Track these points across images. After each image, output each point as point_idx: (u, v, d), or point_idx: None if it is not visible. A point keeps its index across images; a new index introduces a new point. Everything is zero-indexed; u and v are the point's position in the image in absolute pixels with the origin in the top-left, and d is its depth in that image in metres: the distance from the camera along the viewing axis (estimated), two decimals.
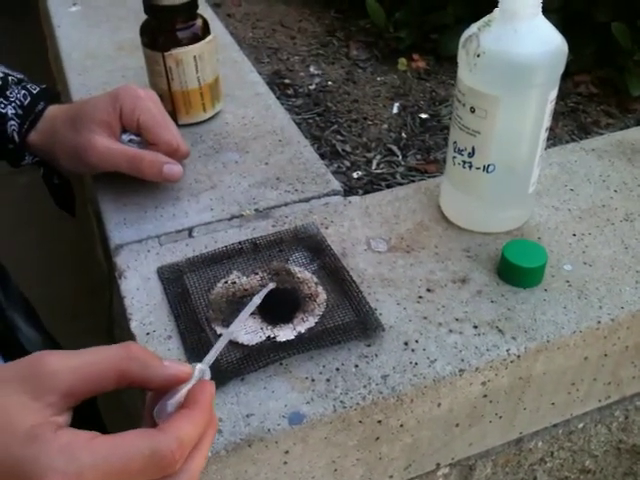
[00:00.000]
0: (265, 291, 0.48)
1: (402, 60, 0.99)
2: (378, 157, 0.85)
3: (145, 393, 0.37)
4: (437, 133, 0.88)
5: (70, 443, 0.29)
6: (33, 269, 1.52)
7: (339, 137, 0.88)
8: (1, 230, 1.68)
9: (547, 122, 0.54)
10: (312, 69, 1.01)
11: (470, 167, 0.55)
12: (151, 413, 0.35)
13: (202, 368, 0.38)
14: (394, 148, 0.86)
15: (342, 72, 1.01)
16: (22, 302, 0.69)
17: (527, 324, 0.51)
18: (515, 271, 0.53)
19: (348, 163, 0.83)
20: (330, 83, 0.98)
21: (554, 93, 0.53)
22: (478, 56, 0.51)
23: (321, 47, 1.07)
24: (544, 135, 0.55)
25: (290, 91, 0.96)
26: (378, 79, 0.99)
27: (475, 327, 0.51)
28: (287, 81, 0.98)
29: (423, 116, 0.91)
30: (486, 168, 0.54)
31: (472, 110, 0.53)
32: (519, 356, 0.49)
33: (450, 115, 0.92)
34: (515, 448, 0.59)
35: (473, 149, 0.54)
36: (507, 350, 0.49)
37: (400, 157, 0.85)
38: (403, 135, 0.88)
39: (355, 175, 0.81)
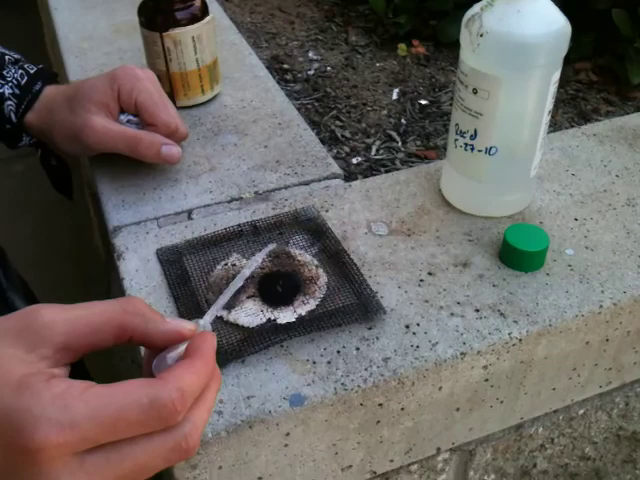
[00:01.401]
0: (266, 250, 0.47)
1: (402, 46, 0.98)
2: (377, 143, 0.84)
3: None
4: (437, 119, 0.88)
5: (63, 392, 0.28)
6: (29, 256, 1.51)
7: (338, 123, 0.87)
8: None
9: (550, 104, 0.54)
10: (311, 54, 1.00)
11: (472, 150, 0.54)
12: (149, 371, 0.33)
13: (203, 324, 0.36)
14: (393, 134, 0.85)
15: (341, 58, 1.00)
16: (21, 285, 0.68)
17: (529, 308, 0.50)
18: (517, 255, 0.52)
19: (347, 149, 0.83)
20: (329, 69, 0.97)
21: (557, 75, 0.53)
22: (481, 36, 0.50)
23: (320, 32, 1.06)
24: (547, 118, 0.54)
25: (289, 76, 0.95)
26: (377, 65, 0.98)
27: (477, 310, 0.50)
28: (286, 66, 0.97)
29: (423, 102, 0.91)
30: (488, 150, 0.54)
31: (474, 91, 0.52)
32: (521, 340, 0.49)
33: (450, 101, 0.92)
34: (515, 434, 0.59)
35: (475, 131, 0.53)
36: (509, 334, 0.49)
37: (399, 143, 0.84)
38: (402, 121, 0.87)
39: (354, 161, 0.80)
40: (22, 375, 0.28)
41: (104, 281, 0.97)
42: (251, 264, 0.45)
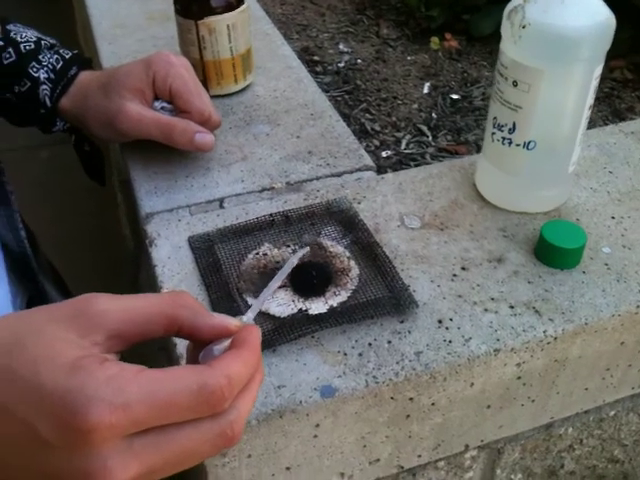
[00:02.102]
0: (301, 252, 0.46)
1: (434, 39, 0.97)
2: (407, 137, 0.83)
3: None
4: (468, 114, 0.87)
5: (117, 375, 0.28)
6: (53, 243, 1.52)
7: (368, 116, 0.87)
8: (22, 204, 1.68)
9: (591, 99, 0.53)
10: (341, 47, 1.00)
11: (510, 143, 0.53)
12: (193, 363, 0.33)
13: (246, 320, 0.36)
14: (424, 128, 0.84)
15: (372, 50, 0.99)
16: (51, 270, 0.68)
17: (564, 306, 0.50)
18: (553, 251, 0.52)
19: (377, 142, 0.82)
20: (360, 61, 0.96)
21: (599, 69, 0.51)
22: (523, 27, 0.49)
23: (351, 25, 1.06)
24: (587, 113, 0.53)
25: (319, 68, 0.95)
26: (408, 58, 0.97)
27: (511, 307, 0.50)
28: (316, 58, 0.97)
29: (454, 97, 0.90)
30: (526, 145, 0.53)
31: (514, 84, 0.51)
32: (556, 338, 0.48)
33: (482, 97, 0.91)
34: (545, 433, 0.58)
35: (514, 125, 0.53)
36: (544, 331, 0.48)
37: (430, 137, 0.83)
38: (433, 115, 0.87)
39: (384, 154, 0.80)
40: (76, 357, 0.28)
41: (130, 268, 0.98)
42: (288, 266, 0.45)
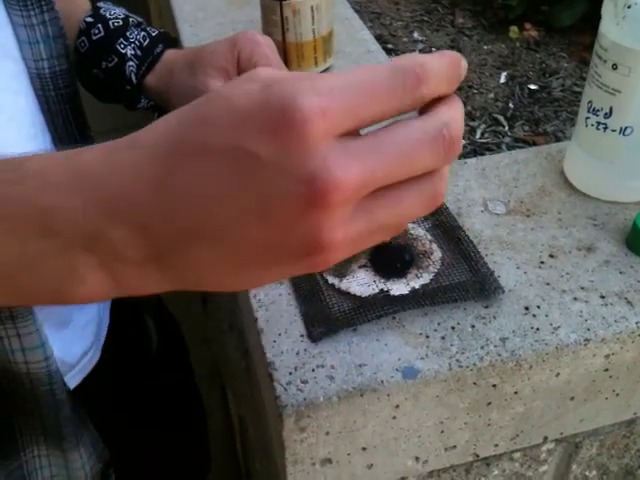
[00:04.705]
0: None
1: (514, 28, 0.95)
2: (483, 126, 0.81)
3: None
4: (547, 105, 0.85)
5: (310, 75, 0.27)
6: None
7: None
8: None
9: None
10: (416, 35, 0.98)
11: (605, 129, 0.52)
12: None
13: None
14: (500, 118, 0.83)
15: (447, 39, 0.97)
16: None
17: None
18: None
19: None
20: (434, 49, 0.95)
21: None
22: (629, 7, 0.47)
23: (425, 14, 1.04)
24: None
25: (393, 56, 0.94)
26: (485, 48, 0.95)
27: (602, 297, 0.48)
28: (390, 46, 0.96)
29: (532, 87, 0.87)
30: (623, 131, 0.51)
31: (614, 67, 0.49)
32: None
33: (561, 88, 0.88)
34: (626, 430, 0.56)
35: (611, 109, 0.51)
36: (636, 323, 0.46)
37: (507, 127, 0.81)
38: (510, 105, 0.85)
39: None
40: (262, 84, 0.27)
41: None
42: None
